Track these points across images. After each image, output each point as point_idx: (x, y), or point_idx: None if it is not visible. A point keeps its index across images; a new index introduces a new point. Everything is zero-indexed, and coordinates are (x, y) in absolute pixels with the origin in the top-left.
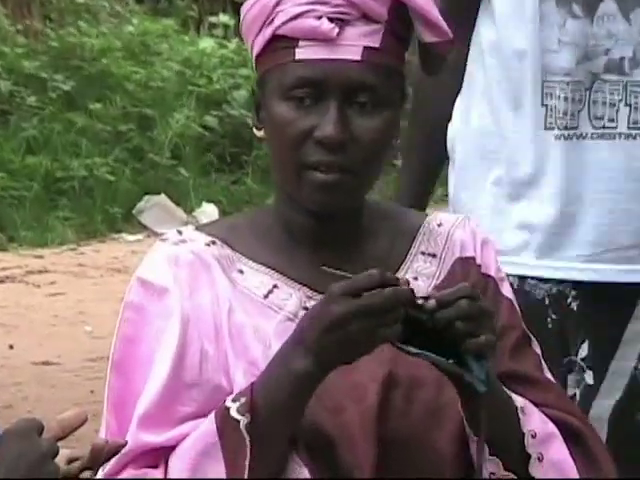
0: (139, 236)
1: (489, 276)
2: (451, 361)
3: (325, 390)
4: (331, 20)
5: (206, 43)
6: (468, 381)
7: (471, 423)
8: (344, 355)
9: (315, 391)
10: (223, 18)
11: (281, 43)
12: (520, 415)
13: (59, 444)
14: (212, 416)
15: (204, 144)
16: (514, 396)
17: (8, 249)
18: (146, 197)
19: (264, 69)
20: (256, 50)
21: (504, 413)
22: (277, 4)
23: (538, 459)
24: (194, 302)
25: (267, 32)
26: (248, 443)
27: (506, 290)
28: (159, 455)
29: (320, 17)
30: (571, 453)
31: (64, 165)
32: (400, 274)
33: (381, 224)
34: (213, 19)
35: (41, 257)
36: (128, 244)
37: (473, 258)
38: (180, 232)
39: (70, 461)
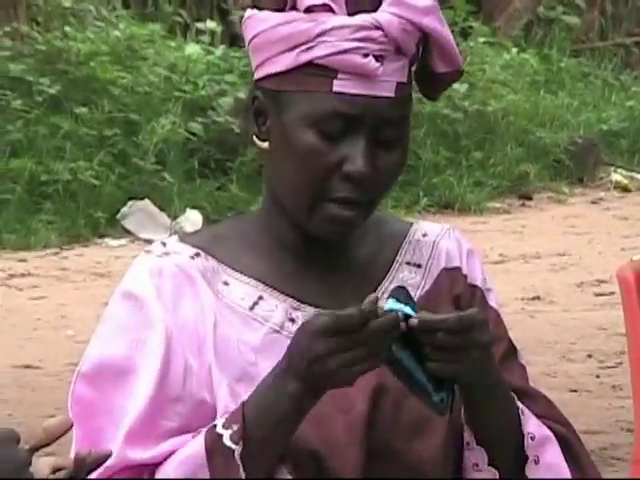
0: (122, 241)
1: (475, 287)
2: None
3: None
4: (375, 58)
5: (192, 49)
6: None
7: (472, 426)
8: (331, 384)
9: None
10: (210, 24)
11: (316, 70)
12: (521, 416)
13: (44, 451)
14: (201, 440)
15: (189, 150)
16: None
17: None
18: (130, 202)
19: (285, 88)
20: (277, 68)
21: (509, 412)
22: (321, 34)
23: (534, 462)
24: (177, 316)
25: (302, 57)
26: (242, 471)
27: (492, 301)
28: (143, 471)
29: (367, 55)
30: None
31: (48, 169)
32: (385, 284)
33: (367, 232)
34: (200, 25)
35: (24, 260)
36: (111, 249)
37: (459, 268)
38: (164, 244)
39: (55, 470)
